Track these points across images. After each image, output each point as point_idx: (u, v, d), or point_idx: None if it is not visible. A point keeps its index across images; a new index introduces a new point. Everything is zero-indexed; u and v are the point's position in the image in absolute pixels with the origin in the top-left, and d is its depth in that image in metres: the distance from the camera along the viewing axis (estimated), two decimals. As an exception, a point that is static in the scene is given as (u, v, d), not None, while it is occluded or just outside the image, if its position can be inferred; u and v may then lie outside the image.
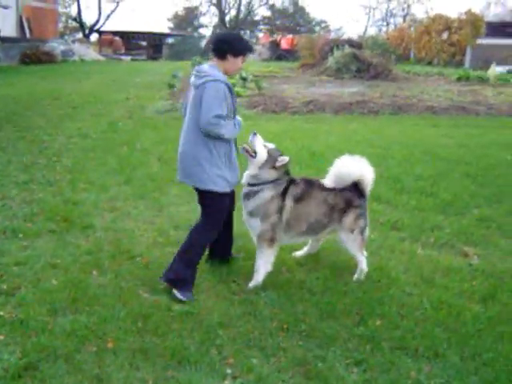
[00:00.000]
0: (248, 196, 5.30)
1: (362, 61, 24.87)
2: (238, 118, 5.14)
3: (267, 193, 5.25)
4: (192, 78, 5.07)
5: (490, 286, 5.34)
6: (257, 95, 18.41)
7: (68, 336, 4.30)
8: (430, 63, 37.38)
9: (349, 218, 5.45)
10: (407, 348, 4.31)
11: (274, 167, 5.24)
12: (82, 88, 19.24)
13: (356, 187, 5.49)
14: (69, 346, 4.17)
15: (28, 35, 33.72)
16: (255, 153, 5.24)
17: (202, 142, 4.92)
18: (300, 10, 67.66)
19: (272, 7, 66.06)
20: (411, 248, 6.26)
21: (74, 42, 39.33)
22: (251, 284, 5.23)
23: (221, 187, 5.01)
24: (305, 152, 10.44)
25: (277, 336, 4.41)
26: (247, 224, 5.40)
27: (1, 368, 3.91)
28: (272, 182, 5.27)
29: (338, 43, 28.55)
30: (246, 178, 5.36)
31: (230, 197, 5.28)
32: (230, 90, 4.96)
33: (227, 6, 62.91)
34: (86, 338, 4.28)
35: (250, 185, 5.32)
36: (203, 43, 66.01)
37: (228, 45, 5.00)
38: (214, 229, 5.21)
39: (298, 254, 5.97)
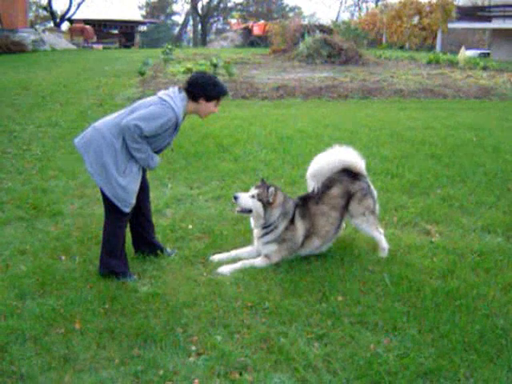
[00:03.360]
0: (264, 234, 5.47)
1: (333, 46, 25.04)
2: (159, 158, 5.08)
3: (281, 226, 5.45)
4: (161, 91, 5.05)
5: (450, 262, 5.49)
6: (227, 81, 18.43)
7: (36, 319, 4.38)
8: (401, 47, 37.65)
9: (353, 205, 5.66)
10: (367, 322, 4.44)
11: (271, 204, 5.37)
12: (52, 77, 19.12)
13: (348, 173, 5.69)
14: (37, 328, 4.26)
15: (-3, 25, 33.31)
16: (249, 210, 5.38)
17: (116, 138, 4.82)
18: (273, -4, 67.56)
19: (245, -7, 65.88)
20: (375, 227, 6.39)
21: (44, 31, 38.84)
22: (223, 269, 5.28)
23: (119, 199, 4.88)
24: (273, 136, 10.56)
25: (241, 314, 4.52)
26: (260, 248, 5.52)
27: (-30, 351, 4.00)
28: (280, 215, 5.44)
29: (308, 29, 28.63)
30: (255, 225, 5.52)
31: (142, 185, 5.20)
32: (176, 126, 4.96)
33: (199, -8, 62.48)
34: (54, 320, 4.37)
35: (264, 227, 5.47)
36: (176, 30, 65.74)
37: (201, 89, 4.97)
38: (122, 216, 5.06)
39: None
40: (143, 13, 67.97)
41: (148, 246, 5.50)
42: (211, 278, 5.09)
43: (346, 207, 5.65)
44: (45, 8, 55.26)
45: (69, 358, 3.95)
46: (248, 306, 4.63)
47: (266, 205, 5.36)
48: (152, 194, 5.90)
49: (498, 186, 7.88)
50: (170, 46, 26.52)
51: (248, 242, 5.80)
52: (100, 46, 40.92)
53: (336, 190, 5.63)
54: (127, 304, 4.60)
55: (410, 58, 27.72)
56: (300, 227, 5.50)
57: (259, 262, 5.40)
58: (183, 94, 5.00)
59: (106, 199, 4.97)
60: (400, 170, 8.54)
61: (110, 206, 4.97)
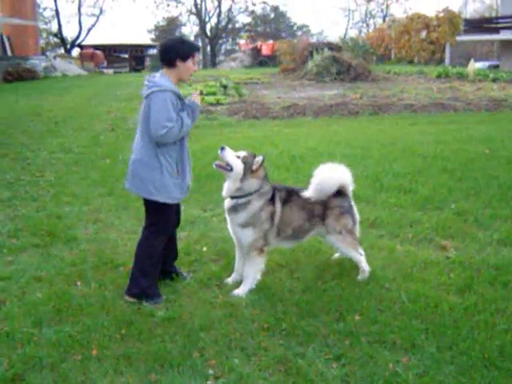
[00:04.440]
0: (235, 209, 5.26)
1: (342, 63, 25.03)
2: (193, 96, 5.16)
3: (256, 204, 5.25)
4: (143, 89, 5.04)
5: (467, 278, 5.45)
6: (237, 102, 18.53)
7: (53, 346, 4.38)
8: (410, 62, 37.63)
9: (330, 221, 5.51)
10: (385, 341, 4.40)
11: (253, 173, 5.22)
12: (64, 103, 19.28)
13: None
14: (54, 355, 4.26)
15: (9, 53, 33.69)
16: (230, 166, 5.20)
17: (152, 152, 4.92)
18: (281, 16, 67.94)
19: (252, 13, 66.20)
20: (390, 244, 6.37)
21: (55, 57, 39.24)
22: (237, 291, 5.24)
23: (169, 198, 5.02)
24: (285, 156, 10.56)
25: (258, 336, 4.50)
26: (237, 235, 5.38)
27: (-12, 380, 4.00)
28: (257, 191, 5.27)
29: (317, 47, 28.69)
30: (227, 191, 5.30)
31: (176, 209, 5.35)
32: (179, 96, 4.96)
33: (207, 15, 62.97)
34: (70, 347, 4.37)
35: (233, 197, 5.28)
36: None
37: (173, 51, 4.96)
38: (161, 236, 5.16)
39: None
40: (152, 36, 68.56)
41: (164, 273, 5.47)
42: (227, 301, 5.07)
43: (319, 220, 5.52)
44: (55, 35, 55.95)
45: (86, 385, 3.95)
46: (265, 328, 4.61)
47: (248, 171, 5.20)
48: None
49: (512, 199, 7.81)
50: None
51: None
52: (111, 71, 41.24)
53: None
54: (144, 329, 4.59)
55: (419, 73, 27.67)
56: (279, 210, 5.36)
57: (250, 259, 5.31)
58: (160, 72, 5.04)
59: (150, 213, 5.13)
60: (413, 185, 8.51)
61: (154, 219, 5.09)
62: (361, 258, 5.56)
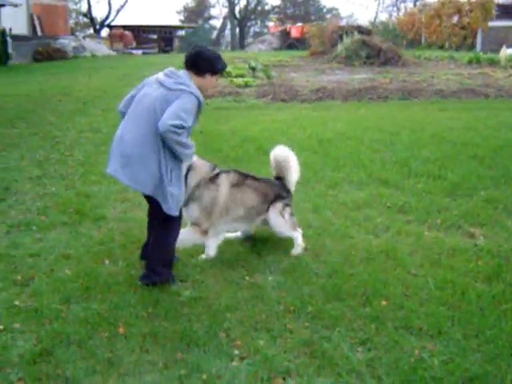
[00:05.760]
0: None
1: (372, 47, 24.85)
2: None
3: (192, 182, 5.45)
4: (162, 77, 4.85)
5: (495, 266, 5.39)
6: (266, 84, 18.47)
7: (81, 323, 4.43)
8: (441, 47, 37.17)
9: (278, 204, 5.84)
10: (411, 327, 4.38)
11: None
12: (93, 83, 19.39)
13: (282, 184, 5.97)
14: (81, 332, 4.30)
15: (39, 33, 33.96)
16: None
17: (154, 148, 4.72)
18: (310, -2, 67.45)
19: (282, -4, 65.86)
20: (418, 230, 6.33)
21: (84, 37, 39.45)
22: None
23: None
24: (313, 139, 10.52)
25: (283, 318, 4.51)
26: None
27: (17, 354, 4.06)
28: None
29: (347, 30, 28.48)
30: None
31: None
32: (200, 108, 4.83)
33: (236, -3, 62.73)
34: (98, 324, 4.41)
35: None
36: (213, 35, 66.05)
37: (209, 63, 4.89)
38: (175, 222, 5.09)
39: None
40: (181, 17, 68.55)
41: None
42: (253, 282, 5.10)
43: (269, 205, 5.84)
44: (85, 15, 56.22)
45: (113, 362, 3.98)
46: (290, 310, 4.62)
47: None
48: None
49: (543, 187, 7.70)
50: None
51: (286, 242, 5.83)
52: (139, 52, 41.34)
53: (274, 187, 5.94)
54: (170, 308, 4.63)
55: (449, 58, 27.35)
56: (224, 188, 5.55)
57: (186, 231, 5.48)
58: (186, 73, 4.90)
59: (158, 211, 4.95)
60: (442, 171, 8.41)
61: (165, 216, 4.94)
62: (298, 234, 5.87)
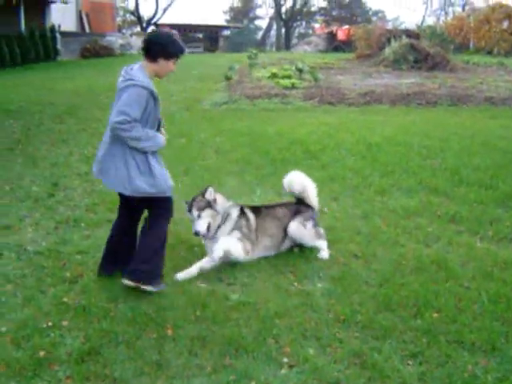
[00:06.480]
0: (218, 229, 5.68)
1: (420, 51, 24.48)
2: (162, 132, 5.09)
3: (234, 212, 5.75)
4: (118, 80, 4.86)
5: (552, 280, 5.24)
6: (313, 87, 18.33)
7: (129, 322, 4.43)
8: (489, 53, 36.51)
9: (298, 218, 5.93)
10: (464, 342, 4.26)
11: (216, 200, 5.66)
12: (140, 81, 19.46)
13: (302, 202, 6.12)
14: (130, 332, 4.31)
15: (87, 30, 34.42)
16: (208, 226, 5.59)
17: (119, 147, 4.82)
18: (356, 0, 66.91)
19: (328, -3, 65.50)
20: (469, 241, 6.18)
21: (131, 35, 39.85)
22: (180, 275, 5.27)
23: (149, 188, 4.90)
24: (361, 144, 10.37)
25: (333, 327, 4.44)
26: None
27: (65, 352, 4.07)
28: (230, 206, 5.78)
29: (394, 34, 28.17)
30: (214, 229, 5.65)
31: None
32: (154, 97, 4.78)
33: (283, -3, 62.57)
34: (146, 324, 4.41)
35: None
36: (259, 35, 66.11)
37: (160, 47, 4.78)
38: (166, 218, 5.15)
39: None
40: (227, 17, 68.77)
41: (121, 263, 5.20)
42: (302, 289, 5.03)
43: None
44: (132, 13, 56.70)
45: (161, 364, 3.97)
46: (340, 319, 4.54)
47: (213, 204, 5.59)
48: (241, 200, 5.89)
49: None
50: (254, 51, 26.54)
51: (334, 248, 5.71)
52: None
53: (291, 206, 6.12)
54: (218, 311, 4.60)
55: (499, 64, 26.82)
56: (252, 217, 5.77)
57: (217, 254, 5.41)
58: (139, 64, 4.86)
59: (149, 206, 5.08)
60: (494, 180, 8.20)
61: (156, 210, 5.07)
62: (323, 241, 5.93)
